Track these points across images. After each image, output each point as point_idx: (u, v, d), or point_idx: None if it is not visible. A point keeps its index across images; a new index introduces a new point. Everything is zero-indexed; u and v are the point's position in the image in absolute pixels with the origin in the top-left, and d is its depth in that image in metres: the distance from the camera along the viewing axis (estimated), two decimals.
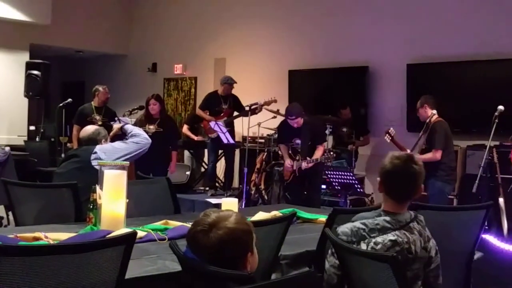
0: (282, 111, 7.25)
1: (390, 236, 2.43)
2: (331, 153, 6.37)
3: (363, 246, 2.46)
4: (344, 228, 2.54)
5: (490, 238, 4.16)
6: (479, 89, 7.28)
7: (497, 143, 6.28)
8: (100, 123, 6.94)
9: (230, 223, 1.90)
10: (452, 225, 3.07)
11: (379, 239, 2.44)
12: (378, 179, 2.59)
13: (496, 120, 5.35)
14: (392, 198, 2.55)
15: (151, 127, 7.08)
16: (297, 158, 6.48)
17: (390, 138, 6.17)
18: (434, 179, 5.70)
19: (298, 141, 6.50)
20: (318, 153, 6.42)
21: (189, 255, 1.95)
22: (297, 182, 6.56)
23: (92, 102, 7.83)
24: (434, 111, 5.92)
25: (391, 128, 6.29)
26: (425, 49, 7.79)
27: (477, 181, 5.20)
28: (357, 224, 2.52)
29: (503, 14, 7.23)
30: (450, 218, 3.13)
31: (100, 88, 7.81)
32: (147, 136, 4.18)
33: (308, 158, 6.36)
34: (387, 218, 2.49)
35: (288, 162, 6.53)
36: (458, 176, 6.96)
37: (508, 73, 7.05)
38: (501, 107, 5.37)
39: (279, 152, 7.13)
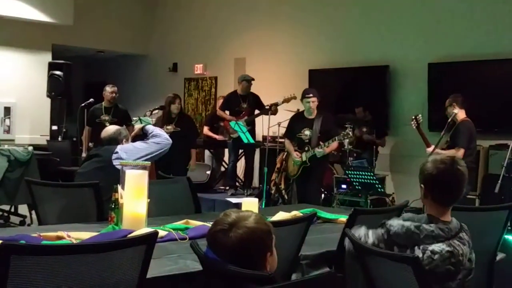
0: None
1: (447, 247, 2.38)
2: (348, 129, 6.27)
3: (418, 253, 2.39)
4: (397, 225, 2.47)
5: None
6: (501, 88, 7.20)
7: None
8: (107, 124, 6.99)
9: (250, 223, 1.91)
10: (474, 225, 3.03)
11: (436, 248, 2.38)
12: (422, 186, 2.52)
13: None
14: (439, 203, 2.49)
15: (169, 127, 7.13)
16: (306, 149, 6.43)
17: (416, 124, 6.16)
18: None
19: (308, 132, 6.44)
20: (332, 144, 6.36)
21: (209, 255, 1.96)
22: (305, 175, 6.51)
23: (103, 103, 7.92)
24: (463, 110, 5.90)
25: (420, 115, 6.27)
26: (446, 48, 7.73)
27: (499, 181, 5.15)
28: (411, 226, 2.45)
29: None
30: (472, 219, 3.09)
31: (107, 88, 7.90)
32: (168, 137, 4.20)
33: (321, 143, 6.31)
34: (441, 226, 2.43)
35: (296, 154, 6.45)
36: (480, 176, 6.90)
37: None
38: None
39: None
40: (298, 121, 6.60)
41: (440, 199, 2.49)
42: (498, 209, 3.37)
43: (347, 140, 6.56)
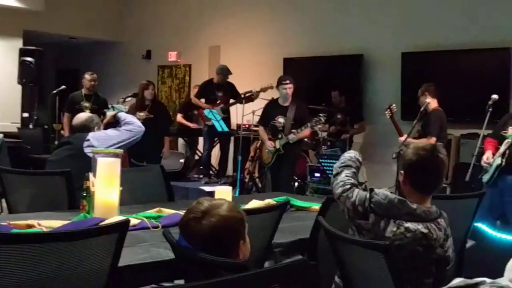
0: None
1: (423, 229, 2.39)
2: (320, 116, 6.32)
3: (392, 227, 2.41)
4: (382, 194, 2.48)
5: (482, 226, 4.18)
6: (474, 78, 7.28)
7: (491, 132, 6.29)
8: (88, 111, 6.93)
9: (223, 211, 1.91)
10: (445, 213, 3.08)
11: (411, 226, 2.39)
12: (402, 172, 2.54)
13: (490, 109, 5.35)
14: (418, 190, 2.50)
15: (142, 114, 7.10)
16: (280, 136, 6.47)
17: (390, 114, 6.21)
18: None
19: (281, 120, 6.47)
20: (305, 131, 6.41)
21: (182, 243, 1.96)
22: (278, 162, 6.53)
23: (82, 90, 7.85)
24: (435, 100, 5.96)
25: (394, 105, 6.33)
26: (420, 37, 7.78)
27: (470, 170, 5.21)
28: (395, 199, 2.46)
29: (499, 3, 7.22)
30: (443, 207, 3.12)
31: (86, 75, 7.83)
32: (140, 124, 4.17)
33: (294, 130, 6.34)
34: (423, 208, 2.45)
35: (270, 143, 6.50)
36: (452, 165, 6.98)
37: (503, 62, 7.05)
38: (495, 96, 5.38)
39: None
40: (272, 108, 6.64)
41: (420, 186, 2.50)
42: (468, 197, 3.42)
43: (319, 126, 6.59)
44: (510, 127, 4.94)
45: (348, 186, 2.63)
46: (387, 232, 2.42)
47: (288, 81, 6.43)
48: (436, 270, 2.43)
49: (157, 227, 2.97)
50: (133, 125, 4.12)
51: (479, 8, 7.32)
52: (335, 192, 2.67)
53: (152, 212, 3.26)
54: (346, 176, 2.69)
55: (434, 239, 2.40)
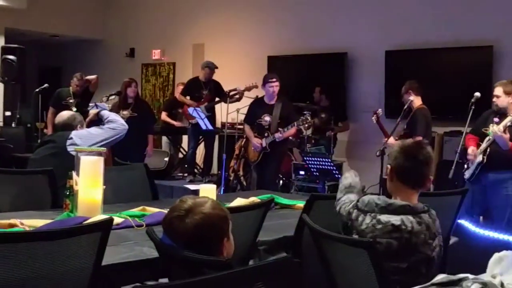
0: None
1: (395, 221, 2.40)
2: (306, 115, 6.32)
3: (367, 219, 2.44)
4: (368, 196, 2.53)
5: (465, 223, 4.22)
6: (456, 75, 7.34)
7: None
8: (74, 108, 6.89)
9: (206, 209, 1.91)
10: None
11: (383, 218, 2.42)
12: (388, 166, 2.57)
13: (473, 107, 5.38)
14: (405, 185, 2.52)
15: (125, 112, 7.06)
16: (266, 134, 6.47)
17: (376, 119, 6.22)
18: None
19: (268, 118, 6.47)
20: (291, 129, 6.41)
21: (165, 241, 1.95)
22: (264, 160, 6.54)
23: (70, 87, 7.80)
24: (419, 97, 5.99)
25: (380, 110, 6.34)
26: (403, 36, 7.82)
27: (453, 167, 5.24)
28: (375, 197, 2.51)
29: (480, 2, 7.27)
30: (427, 204, 3.15)
31: (74, 78, 7.79)
32: (123, 122, 4.14)
33: (280, 129, 6.35)
34: (402, 202, 2.47)
35: (256, 140, 6.49)
36: (435, 162, 7.02)
37: (485, 59, 7.11)
38: (477, 94, 5.41)
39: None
40: (258, 106, 6.63)
41: (407, 180, 2.52)
42: (452, 194, 3.44)
43: (306, 125, 6.59)
44: (491, 124, 4.97)
45: (344, 199, 2.73)
46: (363, 225, 2.45)
47: (274, 79, 6.43)
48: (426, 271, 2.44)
49: (141, 225, 2.95)
50: (116, 123, 4.09)
51: (462, 6, 7.37)
52: (336, 210, 2.74)
53: (136, 210, 3.24)
54: (345, 196, 2.77)
55: (409, 232, 2.39)
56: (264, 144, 6.42)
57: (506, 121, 4.88)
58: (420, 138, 5.68)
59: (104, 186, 3.09)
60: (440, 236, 2.56)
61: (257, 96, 7.38)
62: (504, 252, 1.98)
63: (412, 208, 2.46)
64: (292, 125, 6.29)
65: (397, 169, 2.53)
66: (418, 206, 2.50)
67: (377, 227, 2.40)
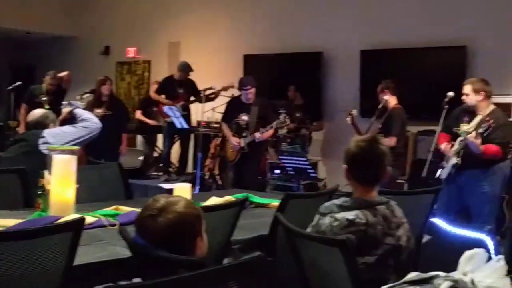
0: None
1: (349, 215, 2.41)
2: (284, 116, 6.32)
3: (327, 219, 2.45)
4: (326, 203, 2.55)
5: (438, 221, 4.26)
6: (431, 75, 7.41)
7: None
8: (47, 106, 6.80)
9: (179, 208, 1.90)
10: (402, 209, 3.12)
11: (339, 215, 2.43)
12: (344, 166, 2.56)
13: (446, 106, 5.44)
14: (360, 182, 2.53)
15: (99, 110, 7.00)
16: (244, 134, 6.45)
17: (351, 120, 6.24)
18: None
19: (245, 118, 6.45)
20: (270, 130, 6.41)
21: (138, 241, 1.94)
22: (242, 160, 6.53)
23: (43, 85, 7.70)
24: (394, 97, 6.02)
25: (354, 110, 6.37)
26: (378, 35, 7.87)
27: (426, 166, 5.29)
28: (336, 200, 2.53)
29: (456, 2, 7.35)
30: (401, 202, 3.16)
31: (47, 75, 7.68)
32: (97, 121, 4.11)
33: (261, 129, 6.34)
34: (358, 198, 2.50)
35: (235, 140, 6.48)
36: (409, 161, 7.10)
37: (459, 59, 7.19)
38: (451, 93, 5.47)
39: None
40: (235, 105, 6.59)
41: (362, 176, 2.53)
42: (425, 193, 3.47)
43: (284, 127, 6.59)
44: (461, 124, 5.01)
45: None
46: (322, 226, 2.47)
47: (249, 87, 6.34)
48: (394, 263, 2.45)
49: (114, 225, 2.93)
50: (90, 121, 4.06)
51: (437, 7, 7.45)
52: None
53: (109, 210, 3.22)
54: None
55: (364, 224, 2.40)
56: (242, 144, 6.41)
57: (476, 121, 4.92)
58: (394, 139, 5.79)
59: (77, 185, 3.07)
60: (407, 225, 2.56)
61: (232, 95, 7.37)
62: (475, 250, 2.00)
63: (367, 201, 2.48)
64: (270, 126, 6.28)
65: (351, 167, 2.54)
66: (374, 199, 2.51)
67: (334, 225, 2.42)
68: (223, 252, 2.79)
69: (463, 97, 5.07)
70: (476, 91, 5.01)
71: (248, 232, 3.02)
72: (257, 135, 6.30)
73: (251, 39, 9.18)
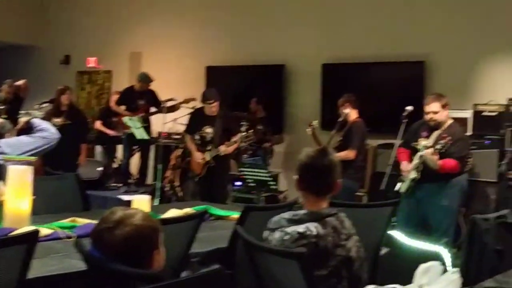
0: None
1: (299, 228, 2.41)
2: (251, 131, 6.32)
3: (276, 235, 2.45)
4: (274, 217, 2.54)
5: (396, 234, 4.30)
6: (390, 89, 7.52)
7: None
8: (4, 115, 6.66)
9: (136, 221, 1.88)
10: (361, 221, 3.14)
11: (289, 229, 2.43)
12: (295, 177, 2.57)
13: (405, 120, 5.53)
14: (311, 193, 2.53)
15: (58, 120, 6.90)
16: (209, 148, 6.42)
17: (312, 131, 6.28)
18: (344, 177, 5.82)
19: (209, 130, 6.42)
20: (234, 145, 6.40)
21: (94, 254, 1.91)
22: (209, 175, 6.50)
23: (0, 94, 7.54)
24: (355, 111, 6.08)
25: (315, 122, 6.41)
26: (340, 49, 7.96)
27: (385, 179, 5.36)
28: (284, 214, 2.52)
29: (414, 18, 7.49)
30: (359, 215, 3.20)
31: (5, 84, 7.52)
32: (55, 131, 4.03)
33: (226, 143, 6.31)
34: (306, 211, 2.49)
35: (198, 156, 6.44)
36: (369, 174, 7.17)
37: (417, 74, 7.32)
38: (409, 108, 5.56)
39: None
40: (199, 117, 6.55)
41: (312, 187, 2.53)
42: (383, 206, 3.50)
43: (248, 142, 6.59)
44: (420, 139, 5.08)
45: None
46: (273, 241, 2.47)
47: (212, 100, 6.31)
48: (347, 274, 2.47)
49: (70, 237, 2.88)
50: (48, 131, 3.98)
51: (397, 23, 7.58)
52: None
53: (66, 222, 3.17)
54: None
55: (314, 236, 2.40)
56: (208, 158, 6.37)
57: (435, 136, 5.00)
58: (353, 152, 5.85)
59: (34, 197, 3.01)
60: (356, 236, 2.57)
61: (194, 107, 7.35)
62: (430, 263, 2.03)
63: (316, 214, 2.48)
64: (235, 141, 6.28)
65: (300, 180, 2.55)
66: (323, 211, 2.52)
67: (285, 238, 2.42)
68: (181, 265, 2.76)
69: (431, 115, 5.09)
70: (444, 107, 5.09)
71: (208, 245, 3.00)
72: (222, 148, 6.29)
73: (214, 51, 9.17)
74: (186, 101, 7.71)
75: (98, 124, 8.89)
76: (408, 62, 7.44)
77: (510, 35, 6.80)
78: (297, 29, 8.38)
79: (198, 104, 7.26)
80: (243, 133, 6.21)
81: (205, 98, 6.41)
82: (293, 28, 8.43)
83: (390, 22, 7.62)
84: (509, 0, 6.82)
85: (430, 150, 4.86)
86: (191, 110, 7.83)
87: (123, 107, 8.08)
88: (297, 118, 8.19)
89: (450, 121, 5.18)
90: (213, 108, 6.33)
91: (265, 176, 6.60)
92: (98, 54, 10.67)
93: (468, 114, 6.57)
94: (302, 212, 2.50)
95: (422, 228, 5.26)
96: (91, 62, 10.75)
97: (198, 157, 6.40)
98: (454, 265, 3.83)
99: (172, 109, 7.72)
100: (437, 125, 5.07)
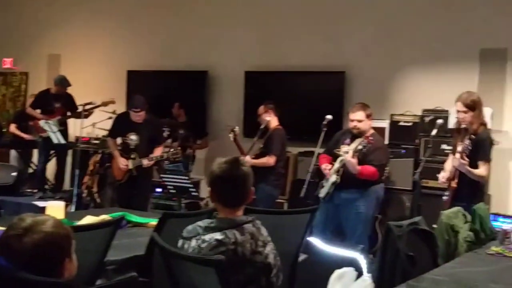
0: (120, 112, 7.11)
1: (217, 236, 2.39)
2: (178, 149, 6.27)
3: (193, 243, 2.41)
4: (188, 226, 2.49)
5: (314, 240, 4.36)
6: (312, 98, 7.63)
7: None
8: None
9: (47, 228, 1.82)
10: (280, 227, 3.16)
11: (207, 237, 2.40)
12: (209, 188, 2.54)
13: (325, 129, 5.63)
14: (224, 205, 2.51)
15: None
16: (133, 156, 6.30)
17: (234, 137, 6.29)
18: (264, 184, 5.91)
19: (133, 137, 6.31)
20: (158, 152, 6.33)
21: (1, 262, 1.82)
22: (130, 182, 6.38)
23: None
24: (275, 118, 6.15)
25: (237, 127, 6.42)
26: (263, 58, 8.02)
27: (305, 186, 5.43)
28: (199, 222, 2.47)
29: (335, 30, 7.64)
30: (278, 221, 3.22)
31: None
32: None
33: (150, 156, 6.23)
34: (223, 219, 2.47)
35: (122, 161, 6.32)
36: (290, 181, 7.25)
37: (338, 84, 7.47)
38: (329, 117, 5.67)
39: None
40: (123, 122, 6.41)
41: (224, 199, 2.51)
42: (302, 213, 3.53)
43: (174, 157, 6.52)
44: (341, 145, 5.22)
45: None
46: (189, 249, 2.43)
47: (139, 109, 6.18)
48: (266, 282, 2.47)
49: None
50: None
51: (319, 33, 7.71)
52: None
53: None
54: None
55: (233, 243, 2.39)
56: (130, 166, 6.25)
57: (356, 145, 5.13)
58: (273, 158, 5.93)
59: None
60: (272, 244, 2.57)
61: (114, 111, 7.21)
62: (344, 269, 2.06)
63: (233, 221, 2.47)
64: (161, 156, 6.21)
65: (214, 192, 2.53)
66: (240, 218, 2.51)
67: (202, 246, 2.39)
68: (96, 273, 2.68)
69: (355, 124, 5.23)
70: (368, 116, 5.25)
71: (124, 252, 2.94)
72: (145, 162, 6.19)
73: (135, 56, 9.04)
74: (105, 103, 7.56)
75: (13, 128, 8.59)
76: (329, 72, 7.58)
77: (425, 49, 7.06)
78: (221, 36, 8.38)
79: (117, 107, 7.13)
80: (171, 150, 6.16)
81: (132, 105, 6.30)
82: (217, 34, 8.42)
83: (313, 32, 7.74)
84: (424, 16, 7.08)
85: (350, 153, 5.00)
86: (111, 115, 7.70)
87: (38, 111, 7.82)
88: (220, 124, 8.18)
89: (371, 131, 5.34)
90: (138, 116, 6.22)
91: (186, 183, 6.54)
92: (14, 55, 10.30)
93: (385, 124, 6.76)
94: (218, 220, 2.48)
95: (338, 234, 5.38)
96: (7, 63, 10.38)
97: (122, 162, 6.27)
98: (370, 271, 3.91)
99: (89, 113, 7.54)
100: (360, 134, 5.23)
